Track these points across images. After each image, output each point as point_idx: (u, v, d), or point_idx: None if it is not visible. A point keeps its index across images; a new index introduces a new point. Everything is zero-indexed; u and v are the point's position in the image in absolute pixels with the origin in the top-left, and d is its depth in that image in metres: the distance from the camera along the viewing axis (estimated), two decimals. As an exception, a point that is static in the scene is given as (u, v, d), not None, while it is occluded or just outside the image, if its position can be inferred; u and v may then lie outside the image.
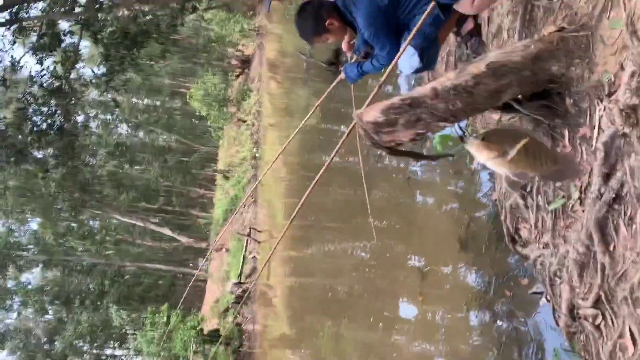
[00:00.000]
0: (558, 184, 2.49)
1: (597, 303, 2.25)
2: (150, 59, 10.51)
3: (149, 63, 10.82)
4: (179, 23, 9.48)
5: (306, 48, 13.16)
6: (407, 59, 3.10)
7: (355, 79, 3.26)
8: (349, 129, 2.40)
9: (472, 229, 4.77)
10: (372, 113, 2.25)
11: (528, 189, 2.74)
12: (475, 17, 3.29)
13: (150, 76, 26.62)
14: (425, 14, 2.74)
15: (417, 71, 3.16)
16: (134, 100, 31.09)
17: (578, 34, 2.20)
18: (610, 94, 2.02)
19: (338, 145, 2.56)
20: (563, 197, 2.45)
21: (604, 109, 2.06)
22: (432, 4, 2.64)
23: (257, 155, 19.23)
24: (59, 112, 10.23)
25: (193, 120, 30.49)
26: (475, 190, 4.94)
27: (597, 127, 2.12)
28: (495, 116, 3.03)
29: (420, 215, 7.11)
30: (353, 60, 3.30)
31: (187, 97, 24.82)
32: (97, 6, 8.62)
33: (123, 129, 31.56)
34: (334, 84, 3.57)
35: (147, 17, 9.04)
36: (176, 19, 9.09)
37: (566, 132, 2.38)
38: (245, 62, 25.17)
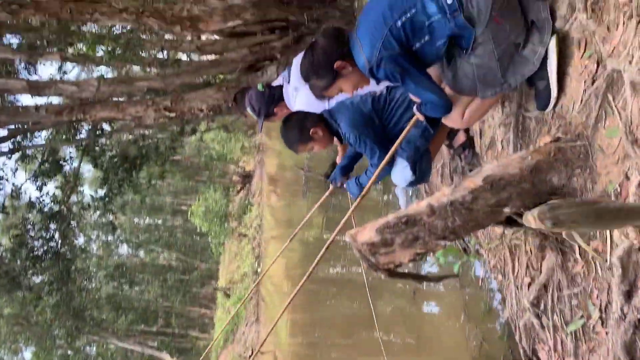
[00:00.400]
0: (574, 302, 2.29)
1: None
2: (149, 179, 10.63)
3: (151, 183, 10.98)
4: (179, 145, 9.71)
5: (304, 162, 13.38)
6: (400, 171, 3.05)
7: (358, 194, 3.20)
8: (327, 243, 2.30)
9: (485, 347, 4.44)
10: (367, 233, 2.11)
11: (542, 307, 2.53)
12: (466, 129, 3.27)
13: (152, 195, 26.96)
14: (409, 125, 2.72)
15: (411, 184, 3.10)
16: (136, 220, 31.23)
17: (575, 143, 2.13)
18: (618, 205, 1.89)
19: (319, 256, 2.42)
20: (582, 316, 2.24)
21: (614, 221, 1.92)
22: (415, 117, 2.63)
23: (258, 270, 18.91)
24: (56, 236, 10.13)
25: (194, 237, 30.41)
26: (486, 303, 4.67)
27: (609, 241, 1.97)
28: (499, 230, 2.89)
29: (430, 329, 6.74)
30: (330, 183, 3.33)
31: (189, 214, 24.93)
32: (98, 132, 8.84)
33: (124, 249, 31.40)
34: (324, 196, 3.53)
35: (147, 141, 9.27)
36: (175, 142, 9.34)
37: (576, 246, 2.23)
38: (247, 177, 25.62)
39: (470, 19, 2.10)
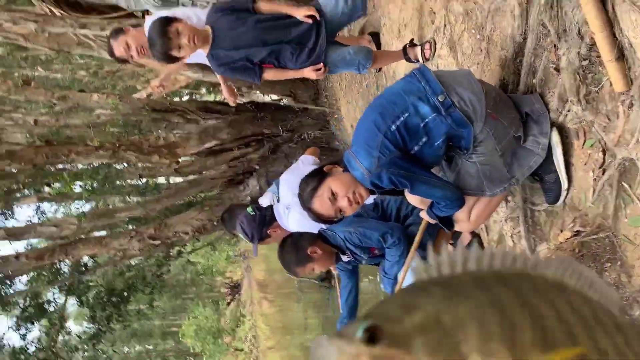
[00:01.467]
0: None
1: None
2: (138, 310, 10.21)
3: (140, 313, 10.56)
4: (166, 271, 9.43)
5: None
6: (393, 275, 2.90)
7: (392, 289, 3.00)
8: None
9: None
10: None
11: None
12: (471, 227, 3.18)
13: (139, 321, 25.94)
14: (420, 231, 2.61)
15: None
16: (125, 349, 29.79)
17: (597, 236, 2.03)
18: (665, 300, 1.77)
19: None
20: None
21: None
22: (424, 221, 2.53)
23: (260, 385, 17.91)
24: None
25: (188, 358, 28.97)
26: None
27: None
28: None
29: None
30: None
31: (180, 335, 23.87)
32: (81, 269, 8.55)
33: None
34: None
35: (133, 272, 8.98)
36: (162, 267, 9.08)
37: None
38: (235, 287, 25.00)
39: (467, 116, 2.06)
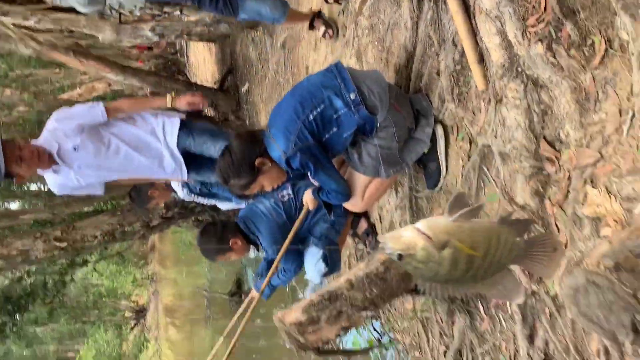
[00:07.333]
0: (488, 359, 2.47)
1: None
2: (35, 323, 9.72)
3: (38, 323, 10.04)
4: (69, 279, 9.11)
5: (204, 284, 13.01)
6: (313, 266, 3.21)
7: (268, 294, 3.32)
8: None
9: None
10: (293, 314, 2.20)
11: None
12: (367, 217, 3.55)
13: (33, 345, 24.24)
14: (302, 215, 2.95)
15: (324, 275, 3.27)
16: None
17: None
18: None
19: None
20: (495, 368, 2.41)
21: (508, 272, 2.19)
22: (305, 207, 2.86)
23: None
24: None
25: (84, 386, 27.26)
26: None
27: (507, 290, 2.22)
28: (409, 306, 3.08)
29: None
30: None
31: (77, 360, 22.57)
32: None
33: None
34: (243, 305, 3.51)
35: (33, 278, 8.61)
36: (65, 275, 8.76)
37: (480, 305, 2.46)
38: (140, 312, 24.07)
39: (373, 108, 2.39)
